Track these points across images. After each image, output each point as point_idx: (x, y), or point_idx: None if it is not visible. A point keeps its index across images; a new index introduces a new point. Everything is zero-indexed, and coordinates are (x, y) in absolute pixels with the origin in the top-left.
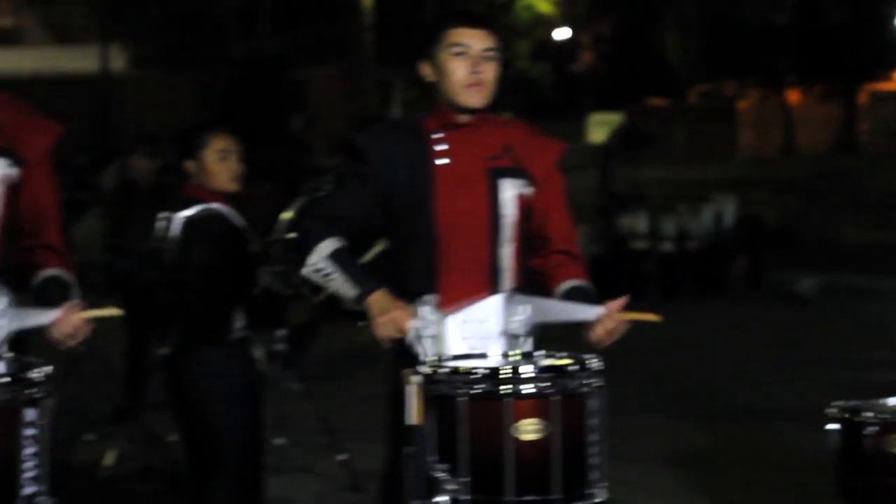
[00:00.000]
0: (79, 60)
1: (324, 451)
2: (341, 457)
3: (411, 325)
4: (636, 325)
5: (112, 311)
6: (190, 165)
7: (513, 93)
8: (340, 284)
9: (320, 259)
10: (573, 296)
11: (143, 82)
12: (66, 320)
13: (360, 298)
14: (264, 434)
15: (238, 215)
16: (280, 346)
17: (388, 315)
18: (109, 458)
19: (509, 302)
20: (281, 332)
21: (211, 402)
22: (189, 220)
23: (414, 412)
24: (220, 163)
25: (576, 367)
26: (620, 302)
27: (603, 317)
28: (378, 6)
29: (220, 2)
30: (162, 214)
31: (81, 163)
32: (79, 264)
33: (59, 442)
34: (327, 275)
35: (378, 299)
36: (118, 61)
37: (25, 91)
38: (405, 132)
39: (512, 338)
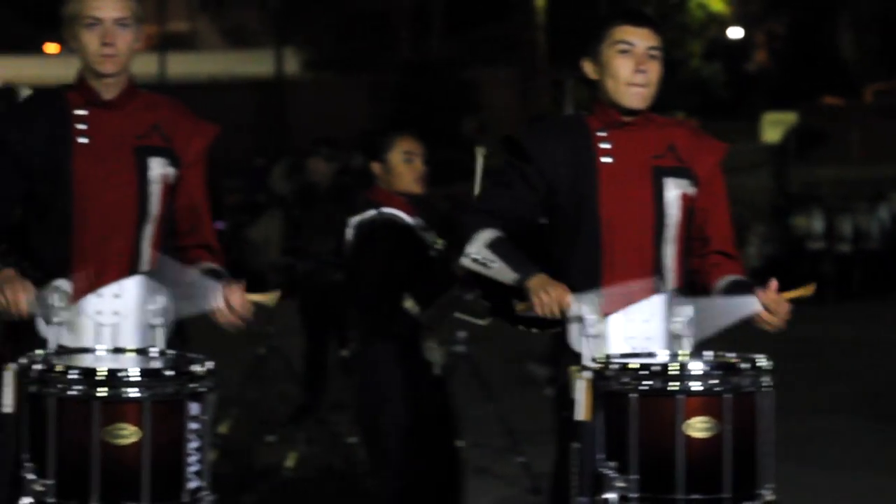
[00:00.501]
0: (253, 64)
1: (504, 453)
2: (520, 459)
3: (571, 301)
4: (814, 327)
5: (272, 297)
6: (375, 167)
7: (685, 92)
8: (500, 270)
9: (480, 248)
10: (732, 290)
11: (317, 85)
12: (229, 299)
13: (521, 282)
14: (441, 435)
15: (420, 218)
16: (460, 348)
17: (548, 293)
18: (291, 460)
19: (672, 302)
20: (462, 334)
21: (379, 400)
22: (361, 224)
23: (583, 408)
24: (405, 164)
25: (746, 366)
26: (773, 285)
27: (766, 303)
28: (550, 6)
29: (394, 4)
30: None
31: (258, 165)
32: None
33: (241, 444)
34: (486, 263)
35: (538, 280)
36: (292, 65)
37: (201, 95)
38: (569, 129)
39: (675, 338)
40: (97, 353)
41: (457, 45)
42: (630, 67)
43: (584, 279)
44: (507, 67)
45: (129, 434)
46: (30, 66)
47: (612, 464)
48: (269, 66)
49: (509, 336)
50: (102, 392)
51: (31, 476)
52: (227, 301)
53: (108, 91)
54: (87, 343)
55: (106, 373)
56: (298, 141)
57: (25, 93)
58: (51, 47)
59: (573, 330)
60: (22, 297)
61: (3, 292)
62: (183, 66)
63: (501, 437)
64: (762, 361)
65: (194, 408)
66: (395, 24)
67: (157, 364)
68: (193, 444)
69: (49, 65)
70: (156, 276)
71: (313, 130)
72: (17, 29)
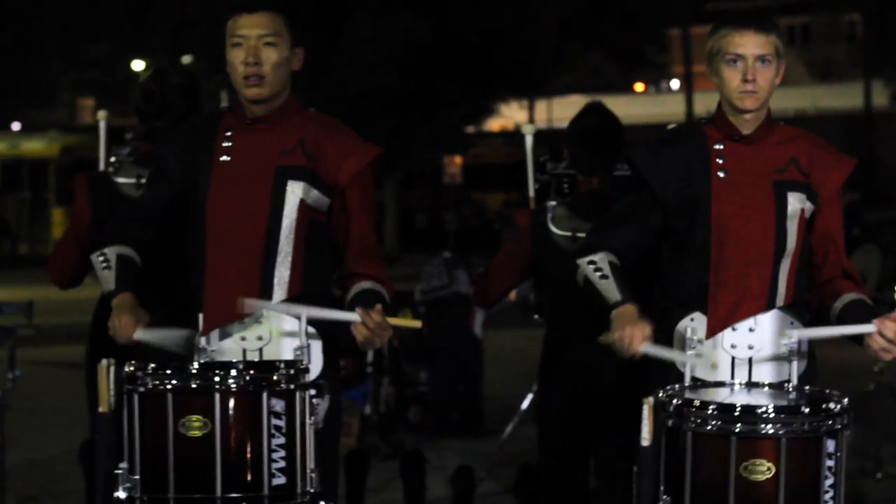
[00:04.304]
0: (839, 98)
1: None
2: None
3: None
4: None
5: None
6: None
7: None
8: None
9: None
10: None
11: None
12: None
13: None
14: None
15: None
16: None
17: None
18: None
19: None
20: None
21: None
22: None
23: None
24: None
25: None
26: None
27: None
28: None
29: None
30: None
31: (851, 200)
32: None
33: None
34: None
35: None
36: (880, 97)
37: None
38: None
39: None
40: (734, 386)
41: None
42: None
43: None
44: None
45: (764, 471)
46: (618, 105)
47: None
48: (858, 99)
49: None
50: (740, 428)
51: None
52: (881, 328)
53: (747, 126)
54: (724, 377)
55: (744, 408)
56: (887, 174)
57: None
58: (639, 87)
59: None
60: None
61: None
62: (773, 100)
63: None
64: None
65: (829, 444)
66: None
67: (793, 399)
68: (828, 482)
69: (635, 103)
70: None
71: None
72: (607, 70)
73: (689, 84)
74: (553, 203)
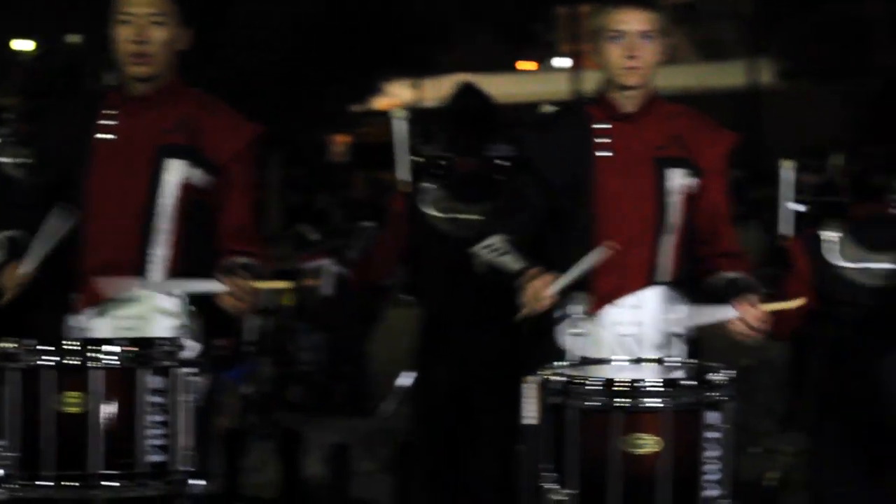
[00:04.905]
0: (726, 76)
1: None
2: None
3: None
4: None
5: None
6: None
7: None
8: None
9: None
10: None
11: (791, 95)
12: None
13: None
14: None
15: None
16: None
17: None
18: (774, 473)
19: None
20: None
21: None
22: None
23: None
24: None
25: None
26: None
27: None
28: None
29: (869, 9)
30: None
31: (735, 177)
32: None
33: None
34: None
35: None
36: (766, 75)
37: None
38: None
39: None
40: (618, 363)
41: None
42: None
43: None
44: None
45: (648, 444)
46: (507, 84)
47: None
48: (743, 77)
49: None
50: (623, 402)
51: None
52: (744, 313)
53: (630, 104)
54: (608, 354)
55: (628, 383)
56: (773, 151)
57: (547, 110)
58: (527, 65)
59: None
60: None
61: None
62: (660, 79)
63: None
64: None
65: (712, 417)
66: (870, 29)
67: (677, 374)
68: (711, 454)
69: (524, 82)
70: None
71: (788, 141)
72: (493, 49)
73: (577, 63)
74: (428, 185)
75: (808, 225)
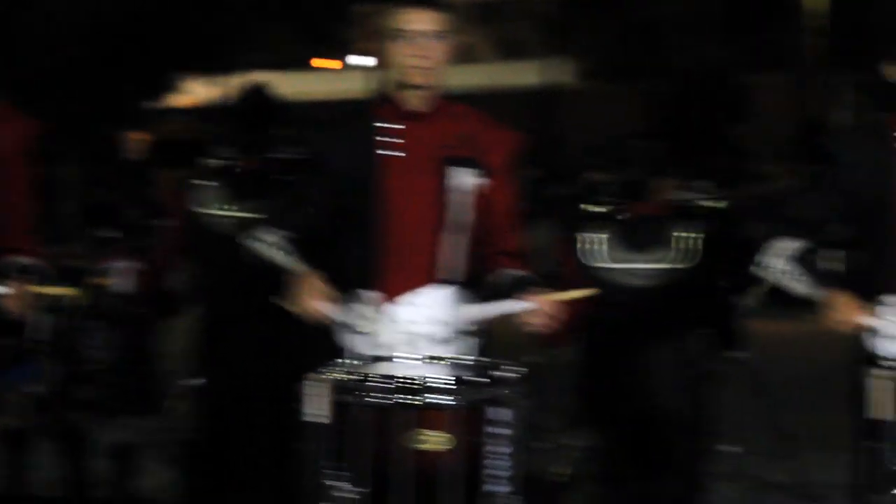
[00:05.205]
0: (525, 76)
1: (775, 458)
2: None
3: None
4: None
5: (584, 293)
6: None
7: None
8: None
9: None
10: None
11: (589, 95)
12: (534, 306)
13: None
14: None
15: None
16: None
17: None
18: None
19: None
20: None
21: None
22: None
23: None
24: None
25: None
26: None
27: (530, 304)
28: (833, 7)
29: (668, 11)
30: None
31: (533, 176)
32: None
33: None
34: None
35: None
36: (565, 75)
37: (476, 106)
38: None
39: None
40: (406, 361)
41: (732, 52)
42: None
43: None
44: (782, 72)
45: (435, 440)
46: (303, 82)
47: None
48: (542, 76)
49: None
50: (411, 399)
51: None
52: (532, 305)
53: (418, 103)
54: (395, 352)
55: (416, 381)
56: (571, 151)
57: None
58: (321, 63)
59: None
60: (313, 302)
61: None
62: (458, 78)
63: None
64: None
65: (498, 413)
66: (668, 31)
67: (465, 371)
68: (499, 450)
69: (320, 80)
70: (465, 285)
71: (586, 141)
72: (291, 47)
73: (374, 62)
74: (208, 184)
75: (583, 225)
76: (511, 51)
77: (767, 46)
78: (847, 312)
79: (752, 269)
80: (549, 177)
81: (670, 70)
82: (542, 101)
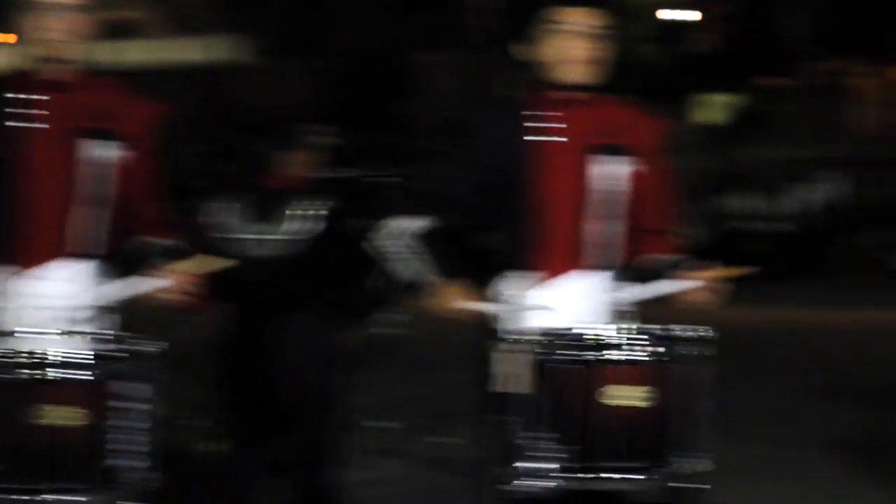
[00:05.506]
0: (199, 51)
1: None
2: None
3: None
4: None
5: (217, 264)
6: None
7: (627, 74)
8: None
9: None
10: (662, 268)
11: (264, 72)
12: (171, 279)
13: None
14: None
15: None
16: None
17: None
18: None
19: (616, 279)
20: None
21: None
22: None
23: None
24: None
25: (666, 334)
26: (702, 266)
27: (695, 283)
28: None
29: None
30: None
31: (197, 151)
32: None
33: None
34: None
35: (442, 285)
36: (234, 51)
37: (141, 81)
38: (506, 112)
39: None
40: (44, 335)
41: (406, 30)
42: (577, 46)
43: (517, 258)
44: (455, 51)
45: (63, 416)
46: None
47: (552, 434)
48: (218, 52)
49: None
50: (41, 374)
51: None
52: (169, 277)
53: (56, 75)
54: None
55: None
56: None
57: None
58: None
59: (500, 311)
60: None
61: None
62: (126, 53)
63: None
64: (688, 332)
65: (135, 388)
66: (343, 9)
67: (99, 345)
68: (122, 424)
69: None
70: (108, 259)
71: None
72: None
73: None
74: None
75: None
76: (185, 26)
77: (440, 26)
78: (446, 298)
79: (365, 247)
80: (219, 152)
81: (343, 49)
82: (215, 76)
